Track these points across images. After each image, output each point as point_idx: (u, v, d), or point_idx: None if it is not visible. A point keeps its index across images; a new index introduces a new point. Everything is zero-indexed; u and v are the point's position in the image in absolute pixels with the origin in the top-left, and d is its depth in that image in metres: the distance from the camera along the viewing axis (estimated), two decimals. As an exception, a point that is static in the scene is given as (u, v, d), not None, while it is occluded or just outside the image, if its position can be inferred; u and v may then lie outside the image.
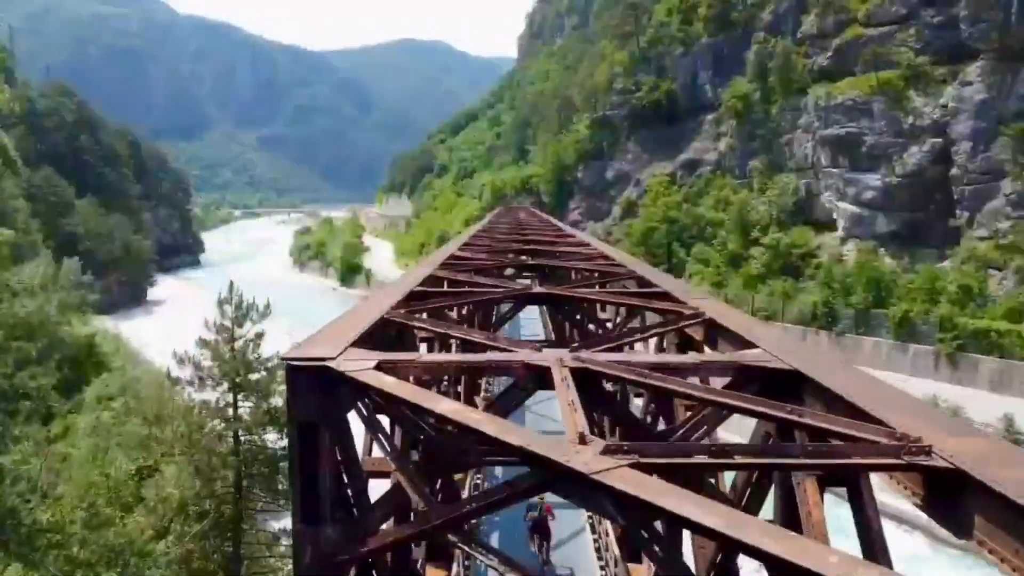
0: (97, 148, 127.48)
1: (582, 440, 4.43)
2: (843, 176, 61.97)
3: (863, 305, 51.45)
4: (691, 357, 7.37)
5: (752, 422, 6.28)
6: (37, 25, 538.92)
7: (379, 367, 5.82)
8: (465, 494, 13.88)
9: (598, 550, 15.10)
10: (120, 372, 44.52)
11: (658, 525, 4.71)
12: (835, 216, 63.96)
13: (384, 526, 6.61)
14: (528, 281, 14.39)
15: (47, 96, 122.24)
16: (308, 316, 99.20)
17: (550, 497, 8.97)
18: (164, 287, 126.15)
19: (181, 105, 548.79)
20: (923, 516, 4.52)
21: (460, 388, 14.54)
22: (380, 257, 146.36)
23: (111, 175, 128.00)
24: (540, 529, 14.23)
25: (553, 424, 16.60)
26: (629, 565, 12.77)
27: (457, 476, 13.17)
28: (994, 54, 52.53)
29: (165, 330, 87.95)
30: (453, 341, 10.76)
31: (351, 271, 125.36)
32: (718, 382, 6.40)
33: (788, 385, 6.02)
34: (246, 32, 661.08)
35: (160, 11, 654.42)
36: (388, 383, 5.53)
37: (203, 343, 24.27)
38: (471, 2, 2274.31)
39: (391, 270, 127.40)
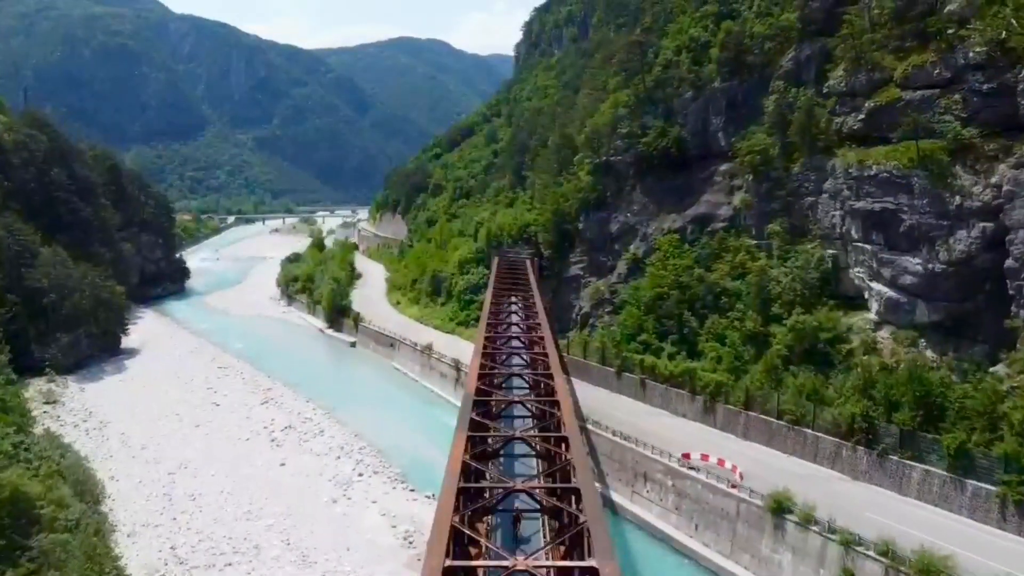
0: (70, 182, 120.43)
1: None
2: (877, 255, 55.24)
3: (911, 425, 44.89)
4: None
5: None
6: (29, 25, 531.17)
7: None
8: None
9: None
10: (50, 528, 37.91)
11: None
12: (866, 296, 57.33)
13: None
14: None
15: (16, 130, 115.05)
16: (293, 374, 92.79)
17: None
18: (141, 327, 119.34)
19: (175, 106, 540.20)
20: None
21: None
22: (372, 286, 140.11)
23: (85, 210, 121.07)
24: (516, 521, 26.42)
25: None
26: None
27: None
28: (1057, 132, 45.86)
29: (132, 399, 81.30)
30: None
31: (338, 313, 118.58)
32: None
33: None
34: (241, 31, 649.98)
35: (154, 10, 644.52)
36: None
37: None
38: (469, 2, 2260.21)
39: (382, 306, 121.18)
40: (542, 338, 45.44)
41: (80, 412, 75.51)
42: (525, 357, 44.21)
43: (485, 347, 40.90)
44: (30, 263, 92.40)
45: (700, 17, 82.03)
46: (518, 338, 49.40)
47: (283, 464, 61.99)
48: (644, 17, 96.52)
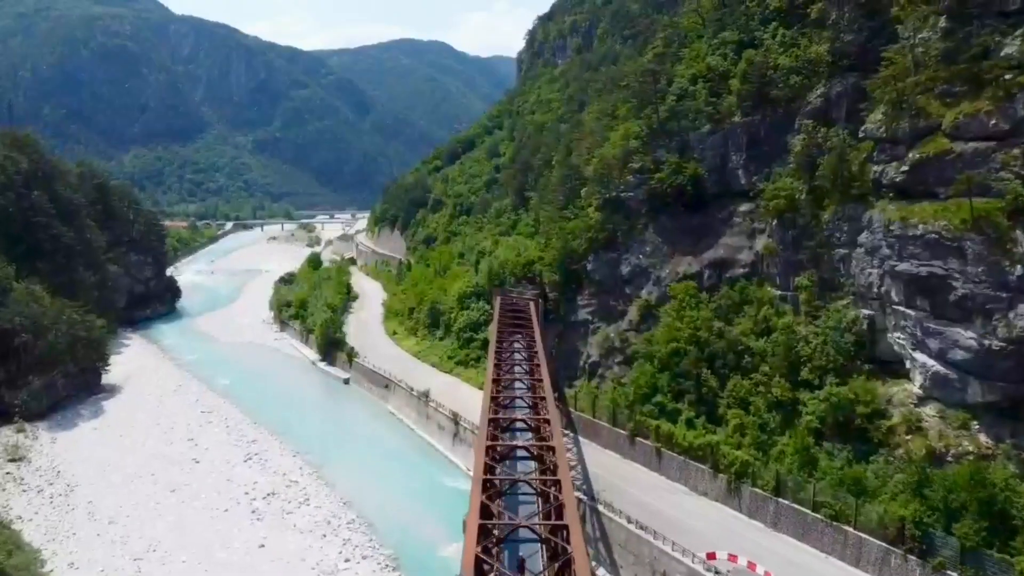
0: (52, 205, 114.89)
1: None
2: (922, 323, 49.42)
3: (974, 539, 39.16)
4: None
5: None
6: (28, 26, 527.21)
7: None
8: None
9: None
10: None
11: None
12: (908, 365, 51.54)
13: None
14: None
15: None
16: (281, 418, 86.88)
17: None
18: (126, 358, 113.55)
19: (175, 107, 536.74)
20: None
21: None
22: (369, 310, 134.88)
23: (68, 234, 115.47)
24: (521, 567, 28.88)
25: None
26: None
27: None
28: None
29: (105, 453, 75.46)
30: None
31: (332, 345, 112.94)
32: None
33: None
34: (241, 33, 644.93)
35: (154, 11, 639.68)
36: None
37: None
38: (470, 1, 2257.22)
39: (378, 336, 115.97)
40: (544, 397, 46.23)
41: (47, 472, 69.71)
42: (530, 423, 43.40)
43: (488, 455, 35.18)
44: (1, 301, 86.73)
45: (718, 44, 75.98)
46: (521, 386, 52.68)
47: (262, 546, 56.13)
48: (656, 41, 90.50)
